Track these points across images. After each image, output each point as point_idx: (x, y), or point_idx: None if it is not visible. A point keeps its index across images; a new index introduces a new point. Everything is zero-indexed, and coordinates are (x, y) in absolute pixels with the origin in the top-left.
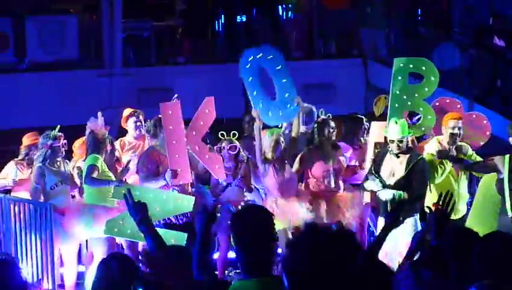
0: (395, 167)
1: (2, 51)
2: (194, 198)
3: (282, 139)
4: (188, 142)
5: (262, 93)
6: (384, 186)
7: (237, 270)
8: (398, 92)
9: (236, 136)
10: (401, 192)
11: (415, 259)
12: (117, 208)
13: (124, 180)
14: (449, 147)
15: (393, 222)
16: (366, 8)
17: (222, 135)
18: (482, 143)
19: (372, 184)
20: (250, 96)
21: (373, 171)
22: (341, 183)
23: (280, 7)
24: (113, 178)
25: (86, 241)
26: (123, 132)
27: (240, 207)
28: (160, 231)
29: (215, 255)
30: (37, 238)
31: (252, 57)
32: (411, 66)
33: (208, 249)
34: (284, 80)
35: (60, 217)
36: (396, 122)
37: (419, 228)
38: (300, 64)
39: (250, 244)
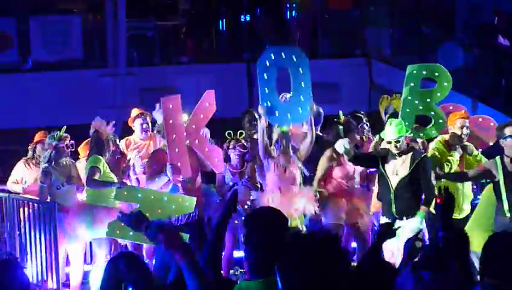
0: (397, 166)
1: (6, 50)
2: (195, 199)
3: (287, 138)
4: (187, 136)
5: (274, 92)
6: (348, 153)
7: (242, 270)
8: (409, 98)
9: (243, 136)
10: (348, 147)
11: (416, 260)
12: (118, 209)
13: (125, 181)
14: (455, 145)
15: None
16: (370, 7)
17: (229, 134)
18: (491, 143)
19: (340, 145)
20: (260, 92)
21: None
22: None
23: (284, 7)
24: (115, 180)
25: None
26: (127, 131)
27: (246, 206)
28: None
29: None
30: (41, 238)
31: (274, 55)
32: (424, 72)
33: (221, 245)
34: (303, 84)
35: (66, 217)
36: (391, 123)
37: (424, 227)
38: None
39: (260, 245)
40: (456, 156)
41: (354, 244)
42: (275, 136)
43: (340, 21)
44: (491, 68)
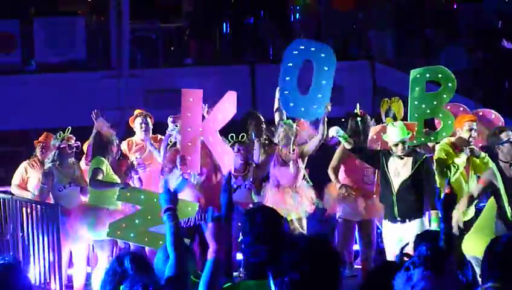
0: (399, 168)
1: (10, 52)
2: (198, 204)
3: (292, 132)
4: (203, 132)
5: (294, 83)
6: (345, 138)
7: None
8: (416, 103)
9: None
10: (343, 134)
11: (410, 260)
12: (120, 211)
13: (128, 183)
14: (463, 147)
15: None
16: (373, 10)
17: (232, 137)
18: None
19: (334, 130)
20: (280, 80)
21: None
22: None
23: (288, 9)
24: (118, 180)
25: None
26: (130, 133)
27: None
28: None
29: None
30: (44, 239)
31: (304, 46)
32: (428, 75)
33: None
34: (324, 82)
35: (68, 219)
36: (393, 125)
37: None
38: None
39: (253, 245)
40: (463, 158)
41: (356, 247)
42: (279, 130)
43: (344, 23)
44: (494, 71)
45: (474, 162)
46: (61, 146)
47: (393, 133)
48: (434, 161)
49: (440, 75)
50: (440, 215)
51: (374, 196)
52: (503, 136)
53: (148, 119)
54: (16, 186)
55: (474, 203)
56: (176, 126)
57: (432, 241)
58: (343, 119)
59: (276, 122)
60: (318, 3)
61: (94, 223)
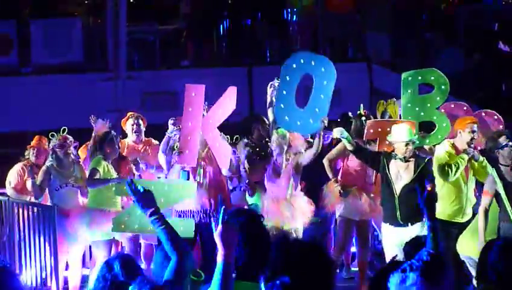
0: (401, 171)
1: (6, 53)
2: (196, 184)
3: (285, 142)
4: (203, 128)
5: (292, 97)
6: (348, 139)
7: None
8: (409, 105)
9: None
10: (347, 135)
11: (409, 262)
12: (116, 211)
13: (123, 177)
14: (466, 148)
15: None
16: (370, 12)
17: (227, 139)
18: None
19: (338, 131)
20: (278, 92)
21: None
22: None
23: (285, 11)
24: (114, 176)
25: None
26: (126, 135)
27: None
28: (169, 219)
29: None
30: (41, 241)
31: (304, 60)
32: (419, 78)
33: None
34: (323, 96)
35: (67, 219)
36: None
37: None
38: None
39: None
40: (466, 158)
41: (352, 249)
42: (273, 140)
43: (341, 25)
44: (492, 73)
45: (472, 165)
46: (55, 147)
47: (401, 132)
48: (435, 160)
49: (432, 78)
50: (425, 213)
51: (372, 195)
52: (502, 140)
53: (140, 121)
54: (12, 189)
55: (472, 205)
56: (179, 128)
57: (420, 247)
58: (338, 120)
59: (270, 119)
60: (315, 5)
61: (89, 223)
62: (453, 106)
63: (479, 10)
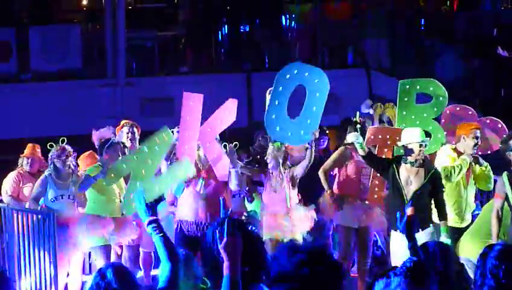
0: (411, 177)
1: (5, 60)
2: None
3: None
4: (200, 137)
5: (284, 107)
6: (362, 146)
7: None
8: (404, 113)
9: (238, 147)
10: (361, 141)
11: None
12: (112, 218)
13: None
14: (468, 154)
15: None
16: (369, 18)
17: (225, 146)
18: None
19: (354, 136)
20: (269, 103)
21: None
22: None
23: (283, 17)
24: (115, 192)
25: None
26: None
27: (244, 217)
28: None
29: None
30: (40, 248)
31: (297, 70)
32: (418, 87)
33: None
34: (315, 108)
35: (64, 228)
36: (433, 126)
37: (435, 238)
38: None
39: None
40: (467, 160)
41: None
42: (269, 152)
43: (340, 31)
44: (490, 79)
45: (474, 171)
46: (53, 158)
47: (414, 133)
48: (438, 164)
49: (431, 88)
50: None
51: (367, 202)
52: None
53: (135, 129)
54: (9, 197)
55: (471, 211)
56: None
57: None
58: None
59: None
60: (314, 11)
61: (86, 229)
62: (458, 108)
63: (478, 16)
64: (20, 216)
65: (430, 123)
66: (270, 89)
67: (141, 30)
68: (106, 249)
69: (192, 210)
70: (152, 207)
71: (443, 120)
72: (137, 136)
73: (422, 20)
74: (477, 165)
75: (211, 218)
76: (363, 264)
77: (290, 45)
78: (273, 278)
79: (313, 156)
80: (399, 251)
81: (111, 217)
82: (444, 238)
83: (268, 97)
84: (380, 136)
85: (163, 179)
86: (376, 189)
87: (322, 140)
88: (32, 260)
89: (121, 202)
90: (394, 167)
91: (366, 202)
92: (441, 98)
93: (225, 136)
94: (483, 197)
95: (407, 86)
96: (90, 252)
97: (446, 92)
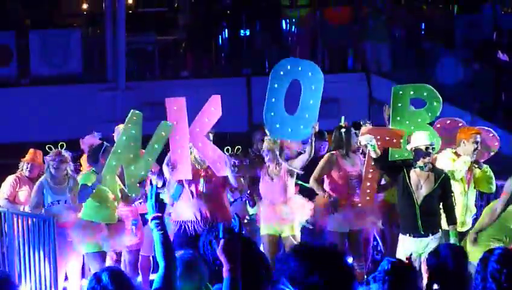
0: (422, 181)
1: (5, 64)
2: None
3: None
4: (191, 138)
5: (281, 104)
6: (375, 149)
7: None
8: (398, 118)
9: (239, 151)
10: (375, 144)
11: (372, 275)
12: (106, 224)
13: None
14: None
15: None
16: (369, 22)
17: (227, 150)
18: (492, 153)
19: (367, 138)
20: (266, 100)
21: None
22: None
23: (284, 21)
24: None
25: None
26: None
27: (246, 220)
28: None
29: None
30: (40, 252)
31: (290, 66)
32: (412, 92)
33: None
34: (312, 101)
35: (62, 232)
36: (428, 131)
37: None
38: None
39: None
40: (468, 160)
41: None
42: (265, 145)
43: (340, 36)
44: (490, 83)
45: (475, 174)
46: (49, 161)
47: (422, 137)
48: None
49: (425, 94)
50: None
51: (360, 205)
52: None
53: None
54: (5, 200)
55: (471, 215)
56: None
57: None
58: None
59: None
60: (313, 16)
61: (80, 235)
62: (448, 121)
63: (478, 20)
64: (20, 220)
65: (425, 128)
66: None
67: (141, 34)
68: (100, 255)
69: (196, 210)
70: (160, 204)
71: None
72: None
73: (423, 24)
74: (477, 169)
75: (213, 215)
76: (357, 267)
77: (290, 49)
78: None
79: (313, 150)
80: (404, 255)
81: (105, 223)
82: (439, 240)
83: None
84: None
85: (150, 147)
86: (368, 191)
87: (322, 146)
88: (32, 264)
89: (117, 208)
90: (405, 171)
91: (359, 205)
92: (435, 103)
93: (226, 140)
94: (483, 200)
95: (401, 92)
96: None
97: (440, 97)
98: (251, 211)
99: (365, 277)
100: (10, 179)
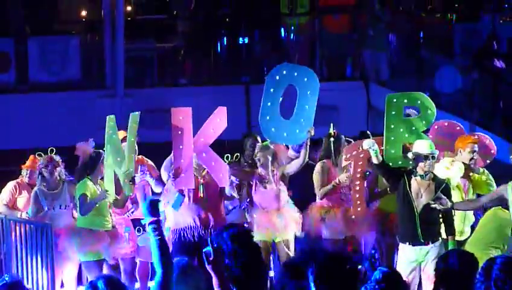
0: (422, 189)
1: (4, 71)
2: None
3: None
4: (195, 149)
5: (277, 108)
6: (377, 154)
7: None
8: (392, 126)
9: (238, 158)
10: (377, 149)
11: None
12: (106, 231)
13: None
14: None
15: None
16: (368, 30)
17: (227, 157)
18: (488, 161)
19: (369, 143)
20: (262, 104)
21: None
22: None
23: (282, 29)
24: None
25: None
26: None
27: None
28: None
29: None
30: (38, 259)
31: (286, 71)
32: (405, 100)
33: None
34: (307, 106)
35: (58, 239)
36: (423, 139)
37: (443, 251)
38: None
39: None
40: (462, 167)
41: None
42: (257, 151)
43: (338, 44)
44: (489, 92)
45: (473, 180)
46: (41, 167)
47: (422, 145)
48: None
49: (419, 102)
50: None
51: (351, 211)
52: None
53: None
54: (4, 206)
55: (470, 224)
56: None
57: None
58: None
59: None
60: (312, 23)
61: (80, 244)
62: (446, 124)
63: (477, 28)
64: (18, 227)
65: (419, 136)
66: None
67: (140, 41)
68: (99, 263)
69: (195, 215)
70: (155, 207)
71: (431, 136)
72: (136, 149)
73: (421, 32)
74: (474, 174)
75: (212, 220)
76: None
77: (289, 57)
78: None
79: (307, 155)
80: (404, 263)
81: (104, 230)
82: (439, 249)
83: None
84: (354, 152)
85: (128, 142)
86: (358, 202)
87: (318, 154)
88: (29, 271)
89: (111, 215)
90: (405, 178)
91: (350, 212)
92: (429, 111)
93: (224, 147)
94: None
95: (395, 100)
96: None
97: (434, 105)
98: (249, 218)
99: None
100: (10, 186)
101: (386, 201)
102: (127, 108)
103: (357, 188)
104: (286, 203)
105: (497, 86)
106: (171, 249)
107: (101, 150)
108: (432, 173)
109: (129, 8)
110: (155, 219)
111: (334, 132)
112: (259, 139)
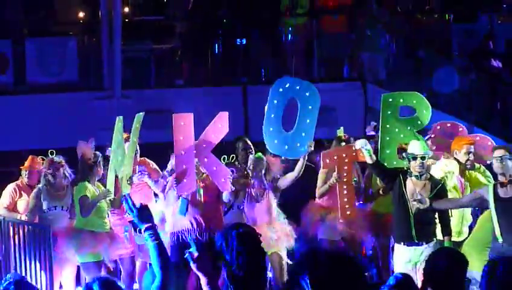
0: (418, 190)
1: (1, 72)
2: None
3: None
4: (196, 154)
5: (279, 120)
6: (371, 154)
7: None
8: (388, 126)
9: (234, 159)
10: (370, 148)
11: None
12: (106, 233)
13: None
14: (463, 168)
15: None
16: (365, 31)
17: (224, 159)
18: (488, 162)
19: (362, 142)
20: (266, 116)
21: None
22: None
23: (280, 30)
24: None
25: None
26: None
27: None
28: None
29: None
30: (36, 261)
31: (289, 84)
32: (401, 100)
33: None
34: (308, 121)
35: (55, 240)
36: (418, 139)
37: None
38: None
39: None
40: (456, 165)
41: None
42: (249, 163)
43: (336, 45)
44: (486, 92)
45: (470, 178)
46: (41, 169)
47: (415, 146)
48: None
49: (415, 101)
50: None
51: (349, 213)
52: (496, 153)
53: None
54: (4, 209)
55: (468, 224)
56: None
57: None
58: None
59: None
60: (310, 24)
61: (78, 245)
62: (449, 124)
63: (474, 29)
64: (16, 228)
65: (415, 137)
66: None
67: (138, 42)
68: (98, 264)
69: (191, 217)
70: (145, 213)
71: (433, 135)
72: (137, 150)
73: (419, 33)
74: (471, 172)
75: (208, 224)
76: None
77: (287, 58)
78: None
79: (302, 168)
80: (400, 263)
81: (102, 231)
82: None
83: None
84: (335, 157)
85: (131, 142)
86: (347, 206)
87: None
88: (28, 272)
89: (108, 216)
90: (401, 178)
91: (348, 213)
92: (424, 111)
93: (221, 149)
94: (478, 210)
95: (390, 99)
96: None
97: (429, 105)
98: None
99: None
100: (10, 188)
101: (380, 202)
102: (124, 109)
103: (345, 192)
104: (277, 216)
105: (495, 86)
106: (168, 252)
107: (97, 152)
108: (429, 173)
109: (126, 9)
110: (149, 224)
111: (344, 136)
112: (248, 141)
